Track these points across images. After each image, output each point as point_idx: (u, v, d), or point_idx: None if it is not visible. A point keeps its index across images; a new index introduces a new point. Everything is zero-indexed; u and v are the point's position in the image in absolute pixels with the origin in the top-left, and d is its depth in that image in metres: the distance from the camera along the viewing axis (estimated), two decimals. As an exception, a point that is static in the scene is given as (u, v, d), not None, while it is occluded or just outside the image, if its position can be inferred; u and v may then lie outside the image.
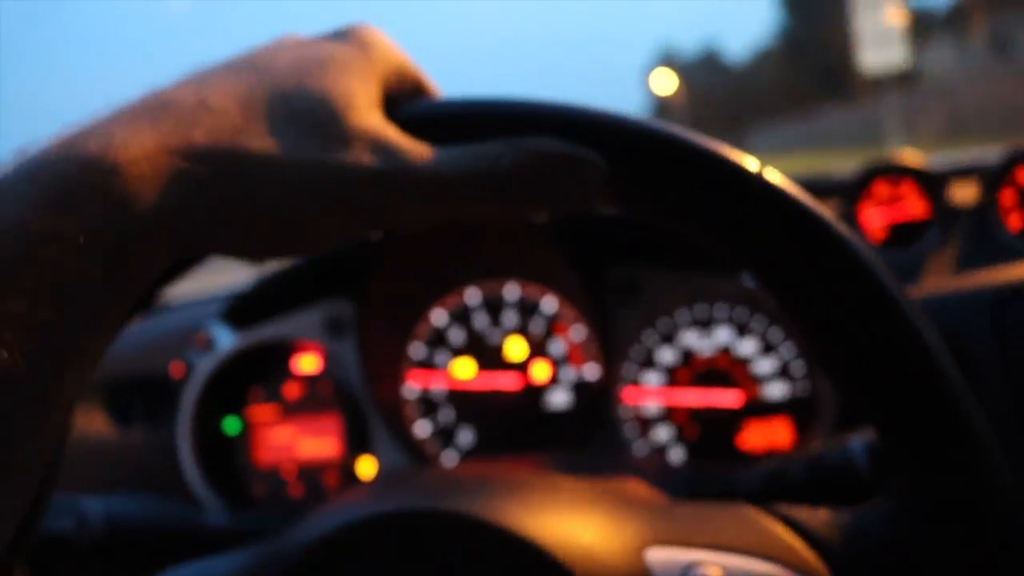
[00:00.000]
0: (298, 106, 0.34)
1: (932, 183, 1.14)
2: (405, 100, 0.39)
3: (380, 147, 0.35)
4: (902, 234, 1.15)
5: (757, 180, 0.37)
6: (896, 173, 1.16)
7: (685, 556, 0.41)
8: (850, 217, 1.16)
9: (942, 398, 0.37)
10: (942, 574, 0.39)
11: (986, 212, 1.10)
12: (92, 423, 0.99)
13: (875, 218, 1.16)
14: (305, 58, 0.36)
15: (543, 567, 0.41)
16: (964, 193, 1.15)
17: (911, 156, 1.17)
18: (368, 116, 0.35)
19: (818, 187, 1.23)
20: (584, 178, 0.36)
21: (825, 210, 0.37)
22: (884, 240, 1.16)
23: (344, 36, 0.39)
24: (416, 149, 0.35)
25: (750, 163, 0.37)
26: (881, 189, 1.16)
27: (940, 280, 0.91)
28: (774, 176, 0.37)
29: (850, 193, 1.17)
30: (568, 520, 0.44)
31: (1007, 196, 1.10)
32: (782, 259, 0.37)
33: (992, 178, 1.11)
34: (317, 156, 0.34)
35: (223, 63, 0.36)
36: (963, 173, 1.20)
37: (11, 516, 0.29)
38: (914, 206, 1.15)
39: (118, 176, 0.30)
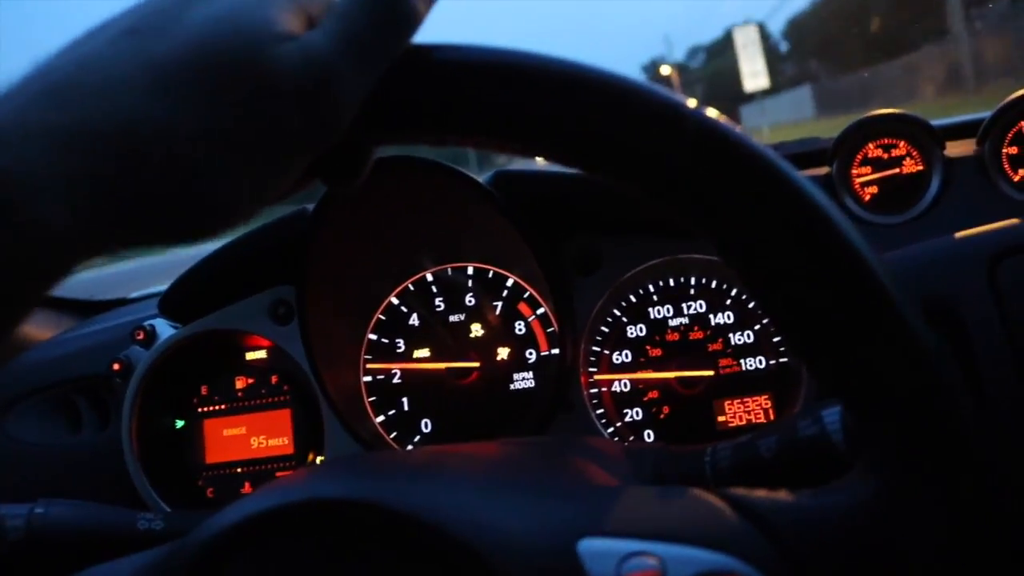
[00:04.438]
0: (211, 65, 0.31)
1: (928, 137, 1.07)
2: None
3: (306, 79, 0.33)
4: (900, 193, 1.07)
5: (696, 120, 0.34)
6: (889, 130, 1.09)
7: (621, 547, 0.38)
8: (846, 180, 1.09)
9: (913, 363, 0.33)
10: (906, 561, 0.35)
11: (985, 162, 1.03)
12: (41, 430, 0.95)
13: (870, 178, 1.09)
14: (212, 8, 0.32)
15: (459, 560, 0.37)
16: (960, 148, 1.07)
17: (903, 113, 1.09)
18: (284, 52, 0.32)
19: (808, 151, 1.16)
20: None
21: (774, 155, 0.34)
22: (881, 201, 1.09)
23: None
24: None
25: (685, 102, 0.34)
26: (874, 148, 1.09)
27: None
28: (713, 114, 0.34)
29: (842, 155, 1.09)
30: (494, 509, 0.40)
31: (1009, 146, 1.03)
32: (729, 211, 0.34)
33: (992, 126, 1.04)
34: (241, 121, 0.32)
35: (115, 26, 0.32)
36: (959, 128, 1.12)
37: None
38: (910, 164, 1.08)
39: (15, 190, 0.27)
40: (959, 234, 0.66)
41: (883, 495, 0.36)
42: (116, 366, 0.87)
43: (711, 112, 0.34)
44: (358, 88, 0.34)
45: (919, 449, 0.34)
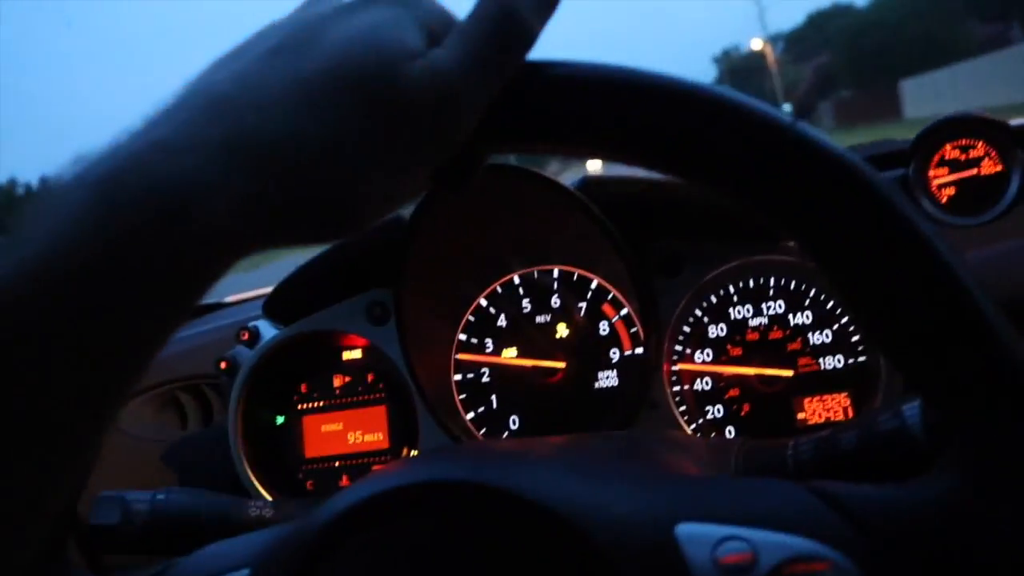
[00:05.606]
0: (353, 82, 0.34)
1: (1006, 137, 1.07)
2: None
3: (435, 94, 0.36)
4: (978, 194, 1.07)
5: (790, 131, 0.36)
6: (967, 130, 1.09)
7: (717, 532, 0.40)
8: (923, 182, 1.10)
9: (991, 356, 0.35)
10: (991, 556, 0.36)
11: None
12: (153, 426, 1.01)
13: (947, 180, 1.09)
14: (350, 28, 0.36)
15: (566, 538, 0.40)
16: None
17: (980, 113, 1.09)
18: (414, 70, 0.36)
19: (885, 152, 1.16)
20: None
21: (864, 165, 0.36)
22: (959, 202, 1.09)
23: None
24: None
25: (781, 114, 0.36)
26: (951, 149, 1.09)
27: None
28: (807, 128, 0.36)
29: (919, 156, 1.10)
30: (596, 492, 0.43)
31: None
32: (817, 214, 0.36)
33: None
34: (378, 134, 0.35)
35: (262, 44, 0.36)
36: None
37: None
38: (988, 164, 1.08)
39: (185, 197, 0.31)
40: None
41: (964, 492, 0.37)
42: (223, 365, 0.92)
43: (806, 124, 0.36)
44: (479, 102, 0.37)
45: (998, 451, 0.35)
